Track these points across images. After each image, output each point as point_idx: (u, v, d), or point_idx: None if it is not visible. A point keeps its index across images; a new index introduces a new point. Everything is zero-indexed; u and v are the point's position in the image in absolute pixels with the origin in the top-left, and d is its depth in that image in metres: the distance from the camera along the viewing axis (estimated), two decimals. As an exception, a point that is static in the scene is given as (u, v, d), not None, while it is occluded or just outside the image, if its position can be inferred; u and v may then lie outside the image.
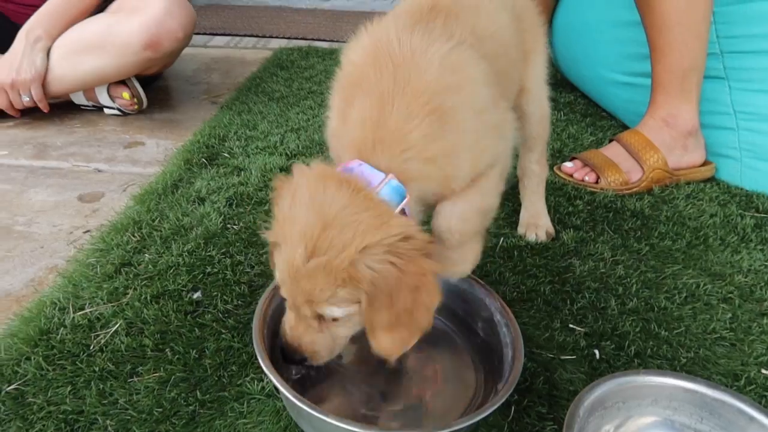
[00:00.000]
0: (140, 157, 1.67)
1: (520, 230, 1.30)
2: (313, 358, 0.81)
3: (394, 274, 0.71)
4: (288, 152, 1.61)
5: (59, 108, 1.96)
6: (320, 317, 0.77)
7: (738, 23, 1.52)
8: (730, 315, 1.08)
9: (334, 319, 0.78)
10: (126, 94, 1.90)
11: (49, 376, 0.89)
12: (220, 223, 1.27)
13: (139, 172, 1.60)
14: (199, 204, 1.35)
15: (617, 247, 1.27)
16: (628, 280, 1.16)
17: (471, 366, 0.95)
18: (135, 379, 0.90)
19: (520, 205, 1.35)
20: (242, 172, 1.50)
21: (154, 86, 2.18)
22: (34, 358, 0.92)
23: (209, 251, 1.18)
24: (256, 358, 0.92)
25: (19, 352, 0.93)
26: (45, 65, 1.76)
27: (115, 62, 1.75)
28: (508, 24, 1.01)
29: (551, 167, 1.53)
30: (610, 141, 1.63)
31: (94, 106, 1.96)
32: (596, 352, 0.99)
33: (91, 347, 0.95)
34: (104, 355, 0.93)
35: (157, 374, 0.90)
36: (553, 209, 1.37)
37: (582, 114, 1.97)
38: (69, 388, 0.87)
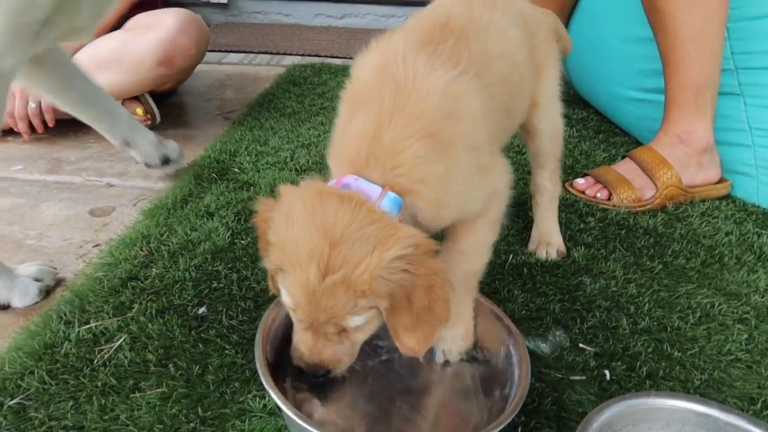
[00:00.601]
0: (152, 172, 1.68)
1: (531, 247, 1.29)
2: (336, 369, 0.81)
3: (410, 279, 0.72)
4: (298, 167, 1.62)
5: (74, 124, 1.96)
6: (342, 330, 0.77)
7: (753, 39, 1.50)
8: (746, 336, 1.05)
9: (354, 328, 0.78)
10: (140, 110, 1.92)
11: (51, 390, 0.89)
12: (228, 237, 1.27)
13: (150, 186, 1.61)
14: (207, 219, 1.35)
15: (629, 265, 1.24)
16: (641, 299, 1.14)
17: (478, 387, 0.93)
18: (137, 394, 0.89)
19: (530, 221, 1.33)
20: (252, 187, 1.50)
21: (169, 102, 2.20)
22: (38, 372, 0.91)
23: (216, 266, 1.18)
24: (259, 375, 0.92)
25: (23, 366, 0.93)
26: None
27: (129, 78, 1.77)
28: (520, 40, 1.01)
29: (562, 183, 1.51)
30: (623, 157, 1.61)
31: (108, 121, 1.98)
32: (607, 372, 0.96)
33: (95, 362, 0.95)
34: (107, 369, 0.93)
35: (159, 390, 0.89)
36: (564, 226, 1.35)
37: (595, 130, 1.95)
38: (71, 403, 0.87)
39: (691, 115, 1.51)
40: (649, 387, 0.94)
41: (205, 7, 3.59)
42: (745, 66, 1.53)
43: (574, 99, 2.21)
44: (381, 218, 0.74)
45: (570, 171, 1.66)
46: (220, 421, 0.85)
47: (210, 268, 1.18)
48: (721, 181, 1.55)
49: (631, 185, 1.49)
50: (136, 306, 1.07)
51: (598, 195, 1.50)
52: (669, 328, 1.07)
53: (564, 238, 1.30)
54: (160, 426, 0.84)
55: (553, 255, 1.25)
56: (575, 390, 0.92)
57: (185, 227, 1.31)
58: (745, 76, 1.53)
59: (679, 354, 1.01)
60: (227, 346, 0.98)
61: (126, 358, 0.95)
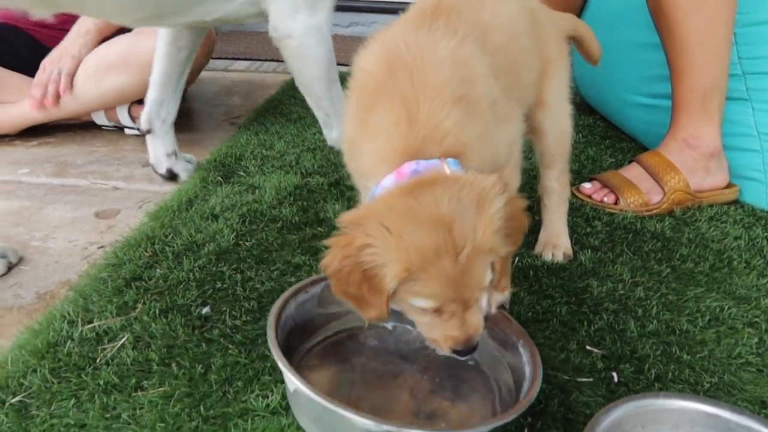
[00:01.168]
0: (157, 176, 1.69)
1: (538, 249, 1.27)
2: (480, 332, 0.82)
3: (511, 221, 0.77)
4: (303, 171, 1.61)
5: (81, 128, 1.99)
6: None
7: (760, 44, 1.50)
8: (756, 340, 1.04)
9: None
10: (146, 114, 1.92)
11: (53, 388, 0.88)
12: (233, 239, 1.27)
13: (155, 190, 1.61)
14: (212, 220, 1.35)
15: (637, 268, 1.23)
16: (648, 302, 1.12)
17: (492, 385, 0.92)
18: (139, 393, 0.88)
19: (536, 225, 1.32)
20: (257, 190, 1.50)
21: (175, 108, 2.21)
22: (40, 371, 0.91)
23: (220, 267, 1.18)
24: (262, 374, 0.91)
25: (26, 364, 0.92)
26: (88, 52, 1.83)
27: (136, 80, 1.78)
28: (519, 14, 1.02)
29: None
30: (630, 162, 1.60)
31: (115, 126, 1.99)
32: (614, 374, 0.95)
33: (98, 360, 0.94)
34: (110, 368, 0.92)
35: (161, 389, 0.89)
36: (570, 230, 1.33)
37: (601, 136, 1.95)
38: (73, 401, 0.86)
39: (699, 119, 1.50)
40: (658, 389, 0.92)
41: (213, 15, 3.60)
42: (752, 71, 1.52)
43: (580, 105, 2.20)
44: (464, 180, 0.75)
45: (577, 176, 1.65)
46: (223, 420, 0.84)
47: (214, 268, 1.17)
48: (729, 186, 1.54)
49: (638, 189, 1.48)
50: (139, 306, 1.06)
51: (605, 199, 1.49)
52: (678, 332, 1.05)
53: (570, 242, 1.29)
54: (162, 425, 0.83)
55: (560, 257, 1.24)
56: (582, 392, 0.91)
57: (190, 229, 1.30)
58: (752, 81, 1.52)
59: (689, 357, 0.99)
60: (230, 346, 0.97)
61: (129, 357, 0.94)
